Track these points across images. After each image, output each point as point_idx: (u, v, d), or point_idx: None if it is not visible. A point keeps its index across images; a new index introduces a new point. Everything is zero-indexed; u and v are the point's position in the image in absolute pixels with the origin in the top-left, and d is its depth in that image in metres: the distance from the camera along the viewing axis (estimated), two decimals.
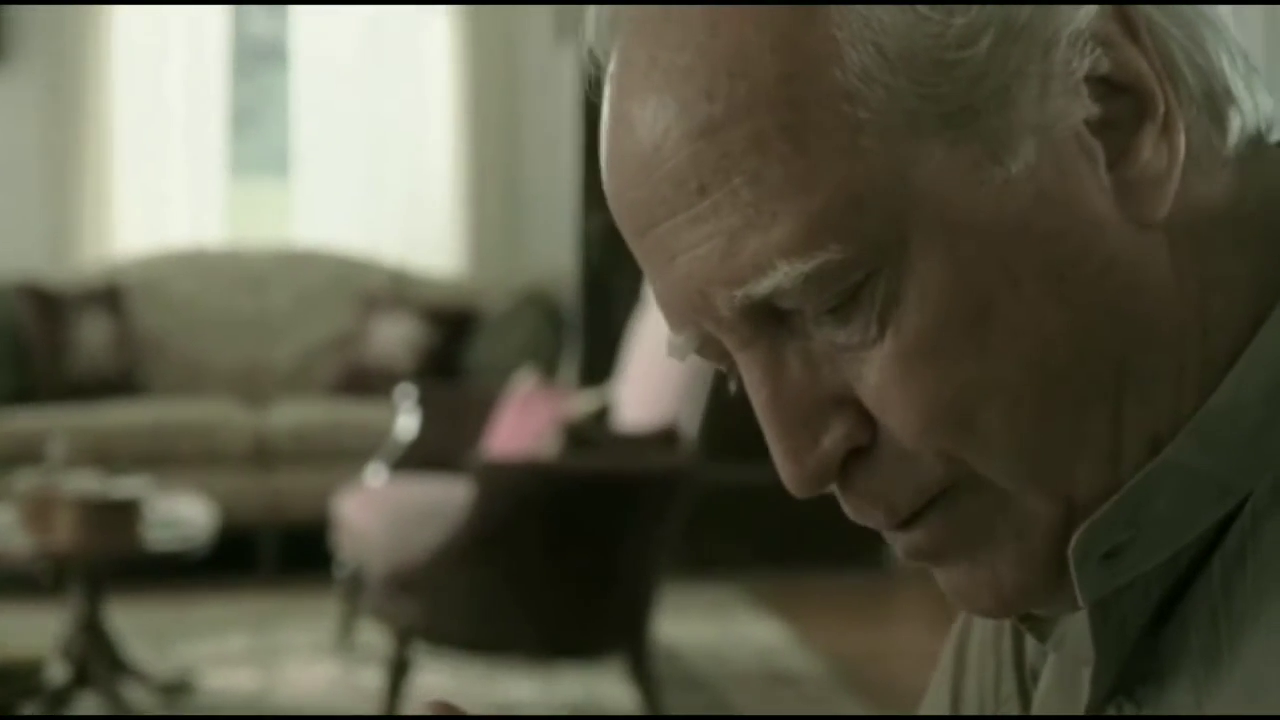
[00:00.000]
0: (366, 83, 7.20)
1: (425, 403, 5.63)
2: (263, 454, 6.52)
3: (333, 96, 7.22)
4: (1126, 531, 0.75)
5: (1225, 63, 0.76)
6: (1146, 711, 0.78)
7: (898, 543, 0.78)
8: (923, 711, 0.97)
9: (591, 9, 0.78)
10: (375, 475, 5.51)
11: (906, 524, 0.77)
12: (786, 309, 0.74)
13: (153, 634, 5.43)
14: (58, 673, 4.67)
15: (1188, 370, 0.75)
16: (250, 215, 7.59)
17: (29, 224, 7.02)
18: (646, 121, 0.74)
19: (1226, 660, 0.75)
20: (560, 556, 4.38)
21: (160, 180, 7.16)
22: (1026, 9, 0.72)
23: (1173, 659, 0.77)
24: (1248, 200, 0.77)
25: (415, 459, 5.49)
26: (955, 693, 0.94)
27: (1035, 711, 0.88)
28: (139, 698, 4.79)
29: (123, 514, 4.59)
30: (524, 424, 5.11)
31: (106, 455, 5.79)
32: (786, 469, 0.75)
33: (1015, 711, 0.90)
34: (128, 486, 4.75)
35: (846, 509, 0.78)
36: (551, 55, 7.14)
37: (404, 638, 4.49)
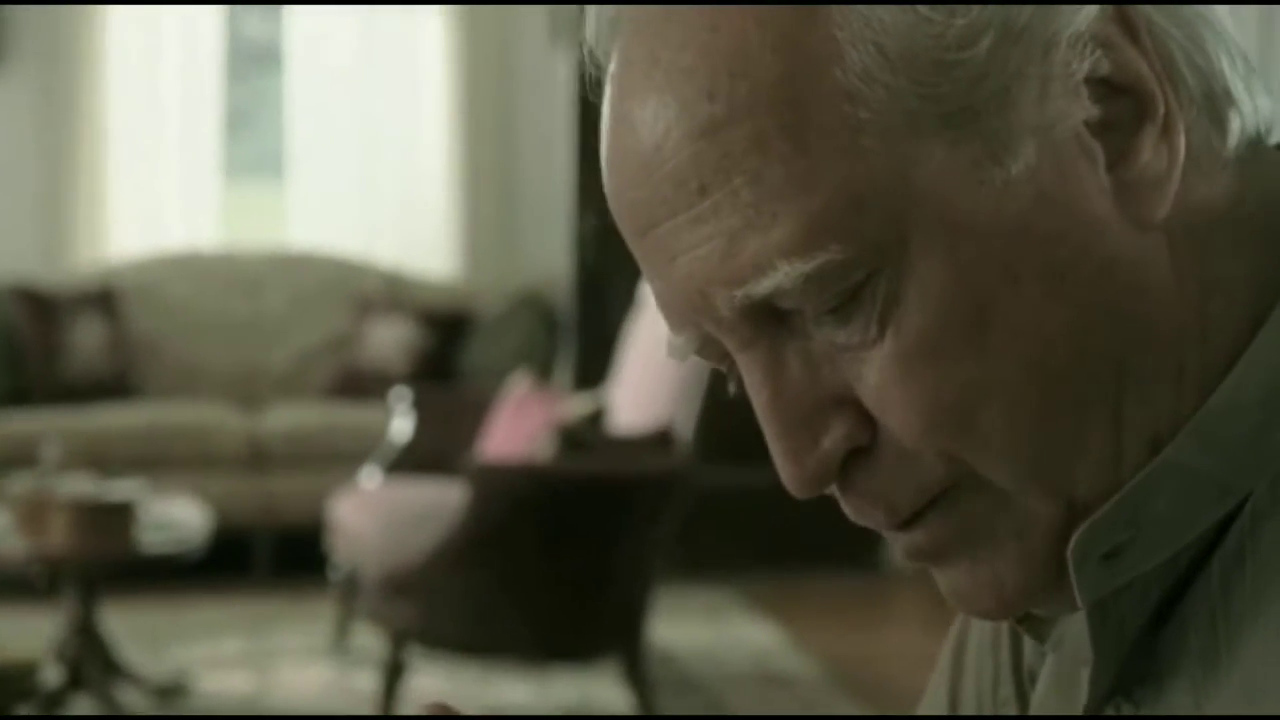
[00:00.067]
0: (361, 85, 7.20)
1: (420, 405, 5.63)
2: (257, 457, 6.52)
3: (327, 99, 7.22)
4: (1126, 532, 0.75)
5: (1225, 64, 0.76)
6: (1145, 712, 0.78)
7: (898, 543, 0.78)
8: (920, 714, 0.97)
9: (592, 9, 0.78)
10: (370, 478, 5.51)
11: (907, 524, 0.77)
12: (787, 309, 0.74)
13: (147, 636, 5.43)
14: (52, 675, 4.67)
15: (1187, 371, 0.75)
16: (245, 218, 7.59)
17: (23, 226, 7.01)
18: (647, 121, 0.74)
19: (1225, 661, 0.75)
20: (555, 559, 4.38)
21: (155, 183, 7.15)
22: (1027, 10, 0.73)
23: (1171, 660, 0.77)
24: (1247, 201, 0.77)
25: (410, 462, 5.49)
26: (953, 695, 0.94)
27: (1034, 712, 0.88)
28: (133, 700, 4.79)
29: (117, 516, 4.58)
30: (519, 427, 5.11)
31: (101, 458, 5.79)
32: (787, 470, 0.75)
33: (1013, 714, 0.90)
34: (122, 489, 4.75)
35: (847, 509, 0.78)
36: (546, 57, 7.14)
37: (399, 640, 4.49)
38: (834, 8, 0.72)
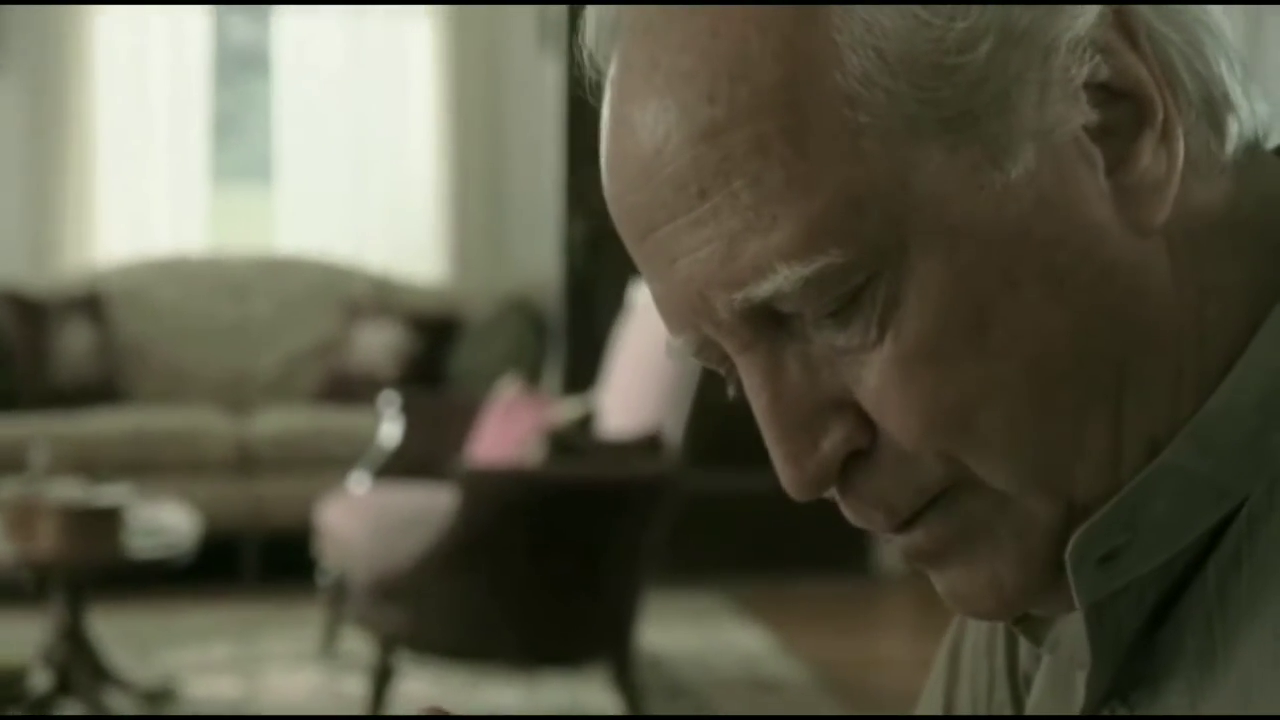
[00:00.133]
0: (349, 89, 7.20)
1: (408, 410, 5.62)
2: (246, 461, 6.51)
3: (315, 103, 7.22)
4: (1124, 534, 0.75)
5: (1224, 69, 0.76)
6: (1141, 714, 0.78)
7: (897, 544, 0.78)
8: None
9: (591, 13, 0.78)
10: (358, 483, 5.50)
11: (906, 525, 0.77)
12: (786, 312, 0.74)
13: (135, 642, 5.42)
14: (40, 681, 4.66)
15: (1186, 374, 0.76)
16: (233, 222, 7.58)
17: (10, 231, 7.00)
18: (647, 125, 0.74)
19: (1221, 664, 0.75)
20: (544, 564, 4.38)
21: (142, 187, 7.14)
22: (1027, 15, 0.73)
23: (1167, 662, 0.77)
24: (1244, 206, 0.77)
25: (399, 466, 5.48)
26: (948, 699, 0.94)
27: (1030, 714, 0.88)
28: (122, 705, 4.77)
29: (105, 522, 4.57)
30: (507, 431, 5.10)
31: (88, 463, 5.78)
32: (786, 473, 0.75)
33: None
34: (110, 494, 4.74)
35: (846, 512, 0.78)
36: (535, 61, 7.13)
37: (387, 645, 4.48)
38: (834, 12, 0.72)
